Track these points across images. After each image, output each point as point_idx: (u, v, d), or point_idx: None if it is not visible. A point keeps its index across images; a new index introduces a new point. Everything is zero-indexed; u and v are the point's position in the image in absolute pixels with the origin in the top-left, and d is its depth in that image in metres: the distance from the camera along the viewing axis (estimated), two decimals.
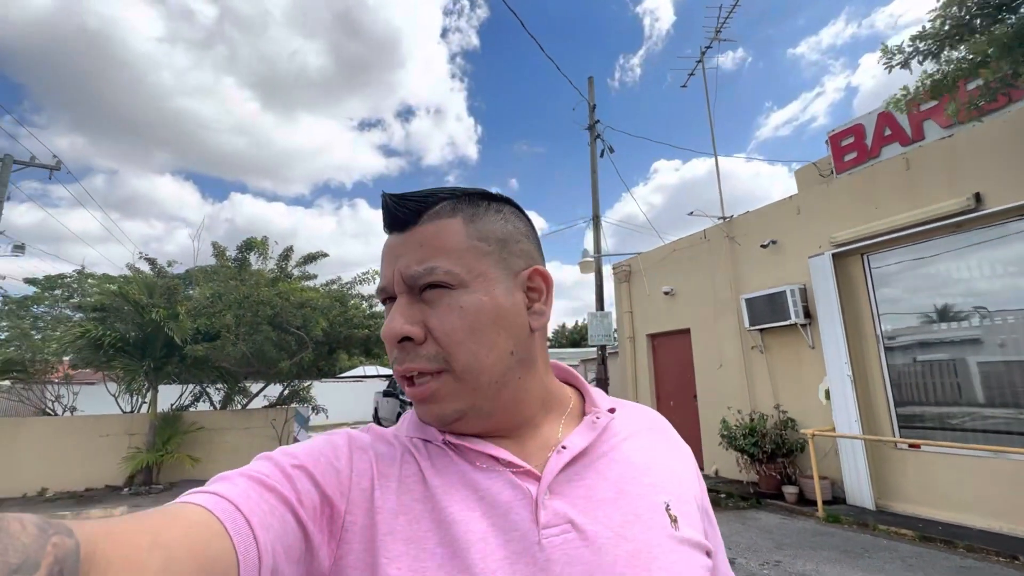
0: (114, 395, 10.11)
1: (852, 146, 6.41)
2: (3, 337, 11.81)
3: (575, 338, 36.14)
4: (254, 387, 11.18)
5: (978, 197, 5.07)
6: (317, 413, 11.53)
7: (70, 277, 13.87)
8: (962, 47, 3.52)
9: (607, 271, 10.20)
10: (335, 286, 10.86)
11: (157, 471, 8.48)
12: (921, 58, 3.66)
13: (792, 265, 6.84)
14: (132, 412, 9.84)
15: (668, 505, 0.52)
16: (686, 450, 0.62)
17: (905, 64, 3.73)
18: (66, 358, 9.53)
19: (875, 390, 5.90)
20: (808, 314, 6.56)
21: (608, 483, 0.51)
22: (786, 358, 6.91)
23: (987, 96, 3.87)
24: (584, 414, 0.58)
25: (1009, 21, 3.17)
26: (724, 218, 8.05)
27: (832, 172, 6.72)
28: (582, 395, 0.62)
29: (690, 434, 8.24)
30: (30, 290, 13.15)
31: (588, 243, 9.93)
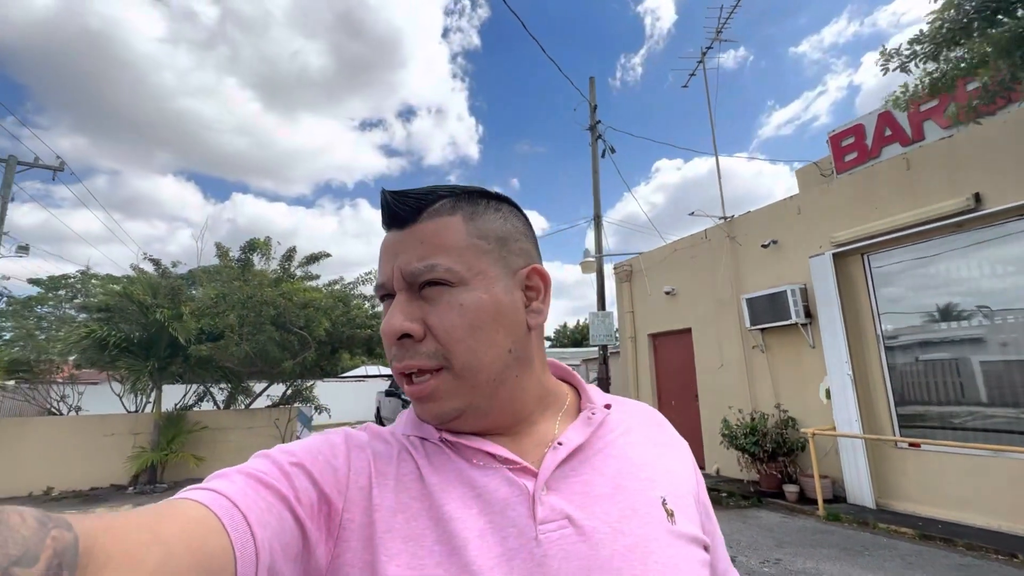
0: (119, 395, 10.18)
1: (852, 146, 6.44)
2: (8, 337, 11.90)
3: (577, 337, 36.16)
4: (257, 387, 11.24)
5: (978, 197, 5.10)
6: (320, 413, 11.58)
7: (73, 277, 13.96)
8: (960, 49, 3.54)
9: (608, 271, 10.25)
10: (338, 286, 10.92)
11: (161, 470, 8.54)
12: (918, 61, 3.69)
13: (793, 265, 6.87)
14: (136, 412, 9.91)
15: (664, 500, 0.52)
16: (683, 444, 0.63)
17: (903, 67, 3.76)
18: (71, 358, 9.59)
19: (875, 389, 5.93)
20: (809, 314, 6.59)
21: (605, 478, 0.52)
22: (787, 358, 6.94)
23: (985, 99, 3.89)
24: (580, 410, 0.59)
25: (1007, 24, 3.19)
26: (725, 218, 8.08)
27: (833, 172, 6.75)
28: (578, 392, 0.63)
29: (691, 433, 8.27)
30: (34, 290, 13.23)
31: (589, 243, 9.97)
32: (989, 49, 3.42)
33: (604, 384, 9.16)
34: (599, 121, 10.28)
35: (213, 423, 9.47)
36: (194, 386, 10.78)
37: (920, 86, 4.03)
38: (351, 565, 0.44)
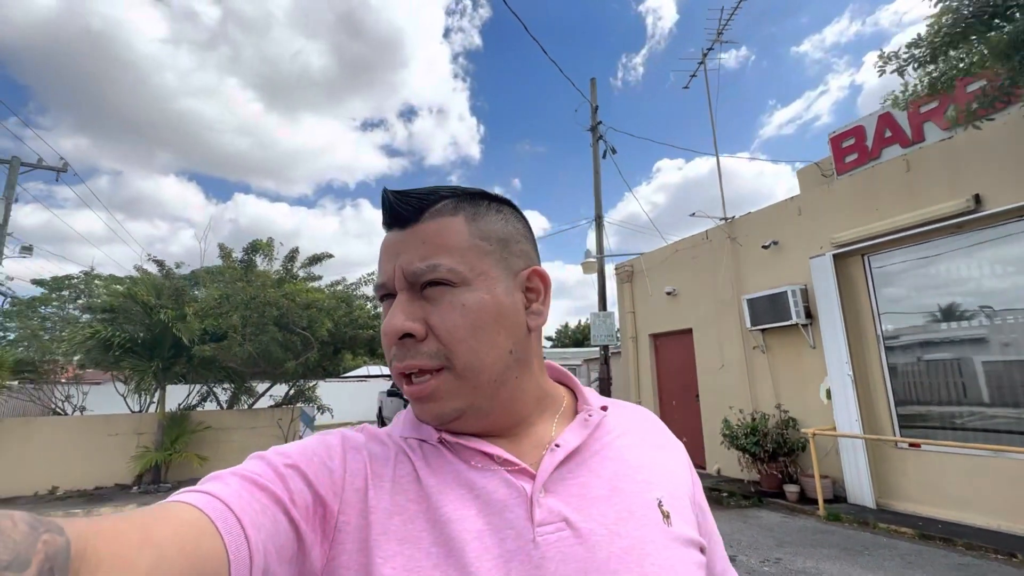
0: (123, 395, 10.25)
1: (853, 147, 6.46)
2: (12, 338, 11.97)
3: (578, 338, 36.19)
4: (260, 387, 11.30)
5: (977, 198, 5.12)
6: (323, 413, 11.64)
7: (77, 278, 14.02)
8: (957, 52, 3.56)
9: (610, 271, 10.28)
10: (340, 287, 10.97)
11: (165, 470, 8.59)
12: (916, 65, 3.71)
13: (793, 266, 6.89)
14: (140, 412, 9.97)
15: (661, 501, 0.52)
16: (678, 446, 0.63)
17: (899, 71, 3.79)
18: (75, 359, 9.65)
19: (876, 390, 5.96)
20: (809, 314, 6.62)
21: (602, 480, 0.52)
22: (787, 358, 6.96)
23: (984, 104, 3.91)
24: (577, 412, 0.59)
25: (1005, 29, 3.21)
26: (726, 219, 8.11)
27: (833, 173, 6.77)
28: (574, 394, 0.63)
29: (692, 433, 8.30)
30: (37, 291, 13.30)
31: (591, 243, 10.01)
32: (986, 51, 3.45)
33: (606, 384, 9.19)
34: (600, 122, 10.31)
35: (216, 423, 9.53)
36: (197, 386, 10.85)
37: (919, 86, 4.05)
38: (346, 567, 0.44)
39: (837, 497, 5.99)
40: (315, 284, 10.77)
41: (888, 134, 6.12)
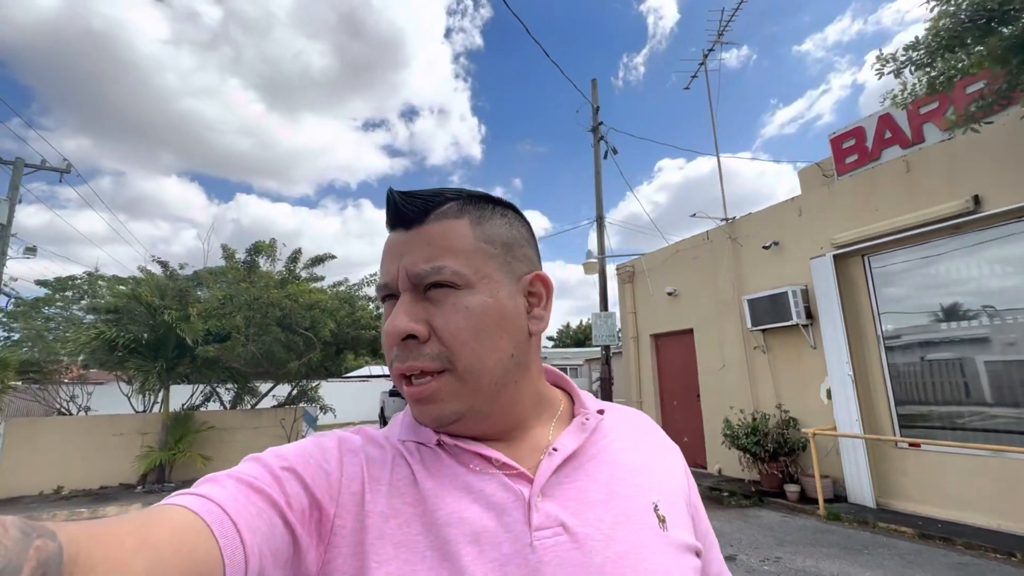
0: (127, 395, 10.31)
1: (853, 148, 6.48)
2: (16, 338, 12.05)
3: (579, 338, 36.21)
4: (263, 387, 11.36)
5: (977, 199, 5.14)
6: (325, 413, 11.69)
7: (80, 279, 14.09)
8: (956, 54, 3.59)
9: (611, 271, 10.31)
10: (343, 287, 11.02)
11: (169, 469, 8.65)
12: (913, 67, 3.74)
13: (794, 266, 6.92)
14: (145, 412, 10.03)
15: (657, 506, 0.53)
16: (673, 448, 0.64)
17: (897, 73, 3.81)
18: (79, 359, 9.72)
19: (876, 389, 5.98)
20: (810, 314, 6.64)
21: (598, 484, 0.52)
22: (788, 358, 6.99)
23: (983, 107, 3.94)
24: (574, 416, 0.59)
25: (1003, 33, 3.24)
26: (726, 219, 8.13)
27: (834, 173, 6.79)
28: (571, 397, 0.63)
29: (693, 433, 8.33)
30: (41, 291, 13.37)
31: (592, 243, 10.03)
32: (985, 54, 3.47)
33: (607, 384, 9.22)
34: (601, 123, 10.34)
35: (220, 423, 9.58)
36: (201, 386, 10.90)
37: (917, 84, 4.07)
38: (341, 571, 0.44)
39: (837, 497, 6.02)
40: (318, 285, 10.82)
41: (888, 135, 6.14)
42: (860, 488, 5.77)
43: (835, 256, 6.29)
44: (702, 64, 9.77)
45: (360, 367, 19.59)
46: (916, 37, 3.63)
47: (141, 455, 8.47)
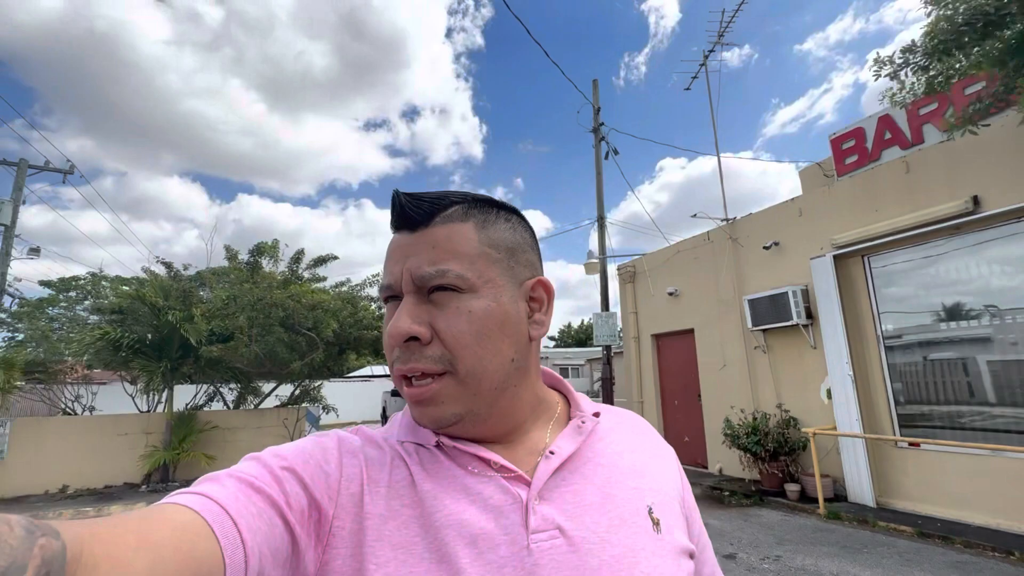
0: (131, 395, 10.38)
1: (853, 149, 6.51)
2: (21, 338, 12.12)
3: (581, 338, 36.24)
4: (266, 387, 11.43)
5: (976, 200, 5.17)
6: (328, 412, 11.75)
7: (83, 279, 14.16)
8: (953, 57, 3.62)
9: (612, 271, 10.35)
10: (345, 288, 11.07)
11: (173, 469, 8.71)
12: (910, 70, 3.77)
13: (794, 266, 6.95)
14: (149, 411, 10.09)
15: (651, 508, 0.53)
16: (668, 450, 0.65)
17: (894, 76, 3.84)
18: (84, 358, 9.79)
19: (876, 389, 6.01)
20: (810, 314, 6.67)
21: (594, 487, 0.53)
22: (788, 358, 7.02)
23: (980, 109, 3.97)
24: (570, 418, 0.60)
25: (999, 37, 3.26)
26: (727, 220, 8.16)
27: (834, 174, 6.82)
28: (567, 399, 0.64)
29: (694, 433, 8.36)
30: (45, 292, 13.44)
31: (593, 243, 10.05)
32: (982, 56, 3.50)
33: (608, 384, 9.25)
34: (602, 123, 10.36)
35: (223, 423, 9.65)
36: (204, 386, 10.98)
37: (916, 84, 4.09)
38: (339, 572, 0.44)
39: (837, 496, 6.05)
40: (320, 285, 10.88)
41: (888, 136, 6.16)
42: (860, 487, 5.80)
43: (835, 256, 6.31)
44: (703, 65, 9.80)
45: (362, 367, 19.64)
46: (913, 40, 3.66)
47: (145, 454, 8.55)
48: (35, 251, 14.77)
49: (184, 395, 10.41)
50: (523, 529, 0.47)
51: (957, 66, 3.65)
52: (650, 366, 9.44)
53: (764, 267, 7.40)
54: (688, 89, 10.24)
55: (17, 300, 13.24)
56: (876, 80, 3.94)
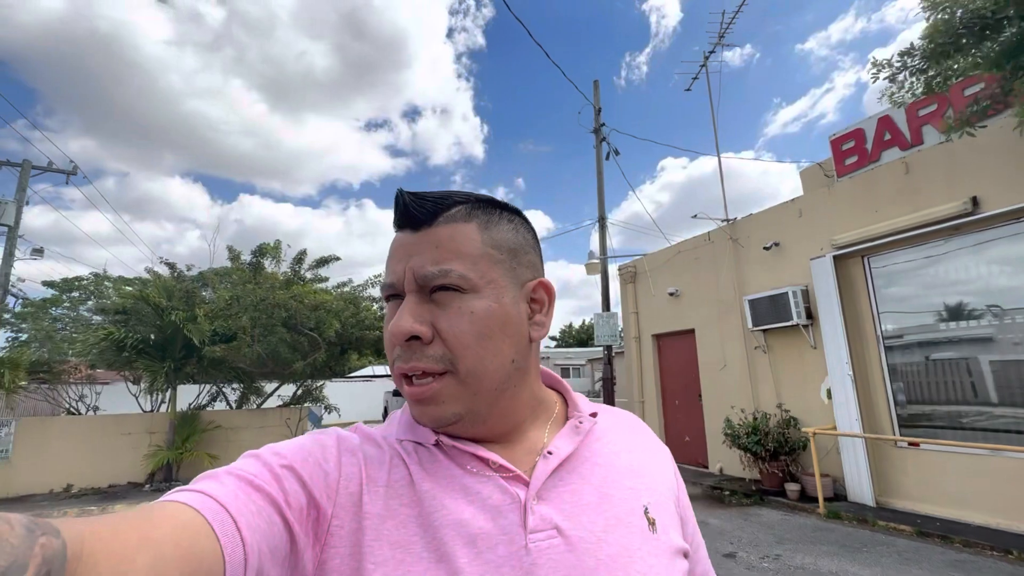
0: (135, 395, 10.44)
1: (853, 150, 6.52)
2: (25, 338, 12.20)
3: (582, 337, 36.27)
4: (269, 387, 11.48)
5: (975, 201, 5.19)
6: (330, 412, 11.80)
7: (86, 279, 14.23)
8: (951, 60, 3.65)
9: (613, 272, 10.37)
10: (347, 288, 11.12)
11: (177, 468, 8.76)
12: (908, 73, 3.80)
13: (794, 267, 6.97)
14: (152, 411, 10.15)
15: (647, 508, 0.54)
16: (663, 450, 0.66)
17: (893, 79, 3.87)
18: (87, 358, 9.85)
19: (875, 389, 6.03)
20: (810, 315, 6.70)
21: (592, 487, 0.53)
22: (788, 358, 7.04)
23: (977, 111, 3.99)
24: (568, 418, 0.60)
25: (997, 40, 3.29)
26: (727, 220, 8.19)
27: (834, 175, 6.84)
28: (565, 399, 0.64)
29: (695, 433, 8.39)
30: (48, 292, 13.52)
31: (594, 243, 10.08)
32: (980, 59, 3.53)
33: (609, 384, 9.29)
34: (603, 124, 10.38)
35: (226, 422, 9.70)
36: (207, 386, 11.02)
37: (914, 84, 4.12)
38: (338, 571, 0.44)
39: (837, 495, 6.08)
40: (322, 286, 10.93)
41: (887, 137, 6.18)
42: (860, 487, 5.82)
43: (835, 257, 6.34)
44: (703, 66, 9.83)
45: (364, 367, 19.70)
46: (912, 43, 3.69)
47: (149, 454, 8.60)
48: (38, 251, 14.84)
49: (187, 395, 10.46)
50: (521, 529, 0.47)
51: (956, 66, 3.68)
52: (651, 366, 9.47)
53: (764, 267, 7.43)
54: (688, 90, 10.27)
55: (21, 300, 13.33)
56: (874, 83, 3.97)
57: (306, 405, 11.28)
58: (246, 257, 10.35)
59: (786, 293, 6.74)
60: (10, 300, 12.36)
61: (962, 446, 5.14)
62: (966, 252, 5.42)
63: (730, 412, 7.31)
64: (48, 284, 14.25)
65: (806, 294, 6.74)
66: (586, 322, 38.76)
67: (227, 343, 8.89)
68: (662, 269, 9.31)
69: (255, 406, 11.17)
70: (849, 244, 6.24)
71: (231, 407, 11.07)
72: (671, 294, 8.96)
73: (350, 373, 17.43)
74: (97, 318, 10.93)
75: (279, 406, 11.25)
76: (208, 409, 10.66)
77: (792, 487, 6.24)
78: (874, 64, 3.87)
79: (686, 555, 0.56)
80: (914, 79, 3.95)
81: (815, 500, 5.84)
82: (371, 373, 20.66)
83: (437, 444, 0.53)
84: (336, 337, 9.89)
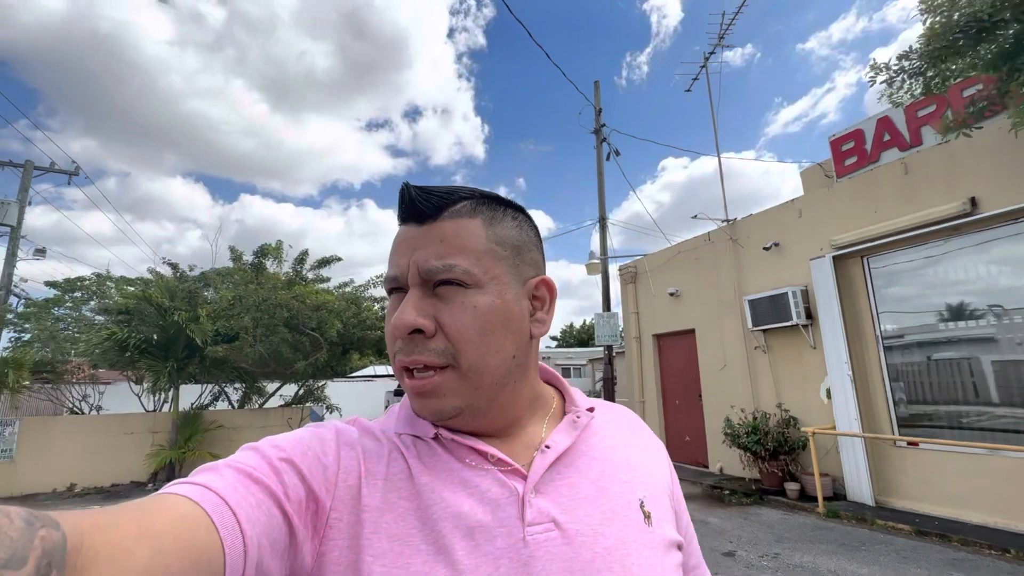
0: (137, 394, 10.49)
1: (852, 151, 6.55)
2: (28, 338, 12.24)
3: (583, 337, 36.31)
4: (271, 387, 11.52)
5: (973, 201, 5.22)
6: (331, 412, 11.84)
7: (89, 280, 14.27)
8: (948, 63, 3.68)
9: (614, 272, 10.39)
10: (349, 288, 11.16)
11: (179, 467, 8.80)
12: (906, 76, 3.82)
13: (794, 267, 7.00)
14: (155, 411, 10.20)
15: (643, 502, 0.55)
16: (658, 444, 0.67)
17: (890, 82, 3.90)
18: (90, 358, 9.89)
19: (874, 389, 6.06)
20: (809, 315, 6.73)
21: (588, 481, 0.54)
22: (788, 358, 7.07)
23: (974, 112, 4.02)
24: (565, 413, 0.61)
25: (994, 43, 3.32)
26: (727, 221, 8.22)
27: (833, 175, 6.87)
28: (562, 394, 0.65)
29: (695, 432, 8.42)
30: (50, 292, 13.56)
31: (595, 243, 10.11)
32: (977, 60, 3.56)
33: (610, 384, 9.32)
34: (604, 124, 10.41)
35: (228, 422, 9.74)
36: (209, 386, 11.07)
37: (913, 84, 4.14)
38: (336, 563, 0.44)
39: (837, 495, 6.10)
40: (324, 286, 10.97)
41: (887, 137, 6.20)
42: (859, 486, 5.85)
43: (834, 257, 6.37)
44: (703, 67, 9.85)
45: (365, 367, 19.75)
46: (909, 47, 3.72)
47: (152, 453, 8.65)
48: (41, 252, 14.89)
49: (189, 395, 10.50)
50: (519, 522, 0.48)
51: (954, 67, 3.70)
52: (651, 366, 9.50)
53: (764, 268, 7.45)
54: (688, 91, 10.31)
55: (23, 300, 13.38)
56: (872, 87, 4.00)
57: (308, 405, 11.33)
58: (248, 257, 10.40)
59: (786, 293, 6.76)
60: (13, 300, 12.41)
61: (961, 445, 5.17)
62: (965, 252, 5.45)
63: (730, 412, 7.34)
64: (50, 284, 14.29)
65: (806, 294, 6.76)
66: (587, 322, 38.79)
67: (229, 343, 8.94)
68: (662, 269, 9.34)
69: (257, 406, 11.21)
70: (848, 244, 6.27)
71: (233, 407, 11.11)
72: (671, 294, 8.98)
73: (351, 373, 17.47)
74: (100, 318, 10.98)
75: (281, 406, 11.30)
76: (210, 409, 10.71)
77: (792, 486, 6.26)
78: (872, 68, 3.89)
79: (680, 547, 0.57)
80: (912, 81, 3.98)
81: (814, 499, 5.86)
82: (372, 373, 20.72)
83: (436, 438, 0.53)
84: (338, 337, 9.93)
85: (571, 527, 0.49)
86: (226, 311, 8.98)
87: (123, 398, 10.69)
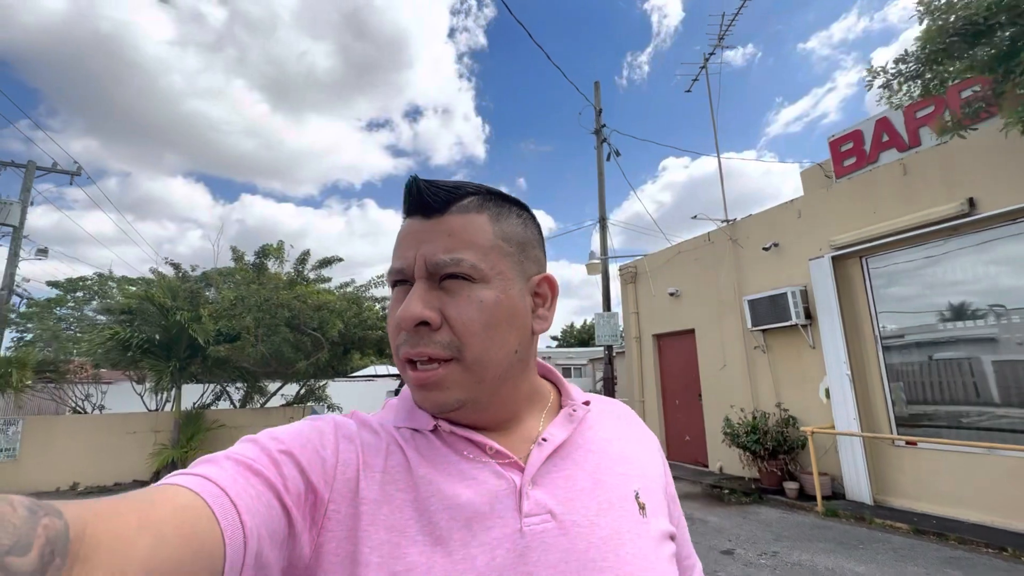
0: (140, 394, 10.53)
1: (851, 151, 6.57)
2: (30, 338, 12.30)
3: (583, 337, 36.33)
4: (272, 386, 11.57)
5: (972, 202, 5.24)
6: (333, 411, 11.87)
7: (90, 280, 14.33)
8: (944, 65, 3.71)
9: (614, 272, 10.43)
10: (350, 288, 11.20)
11: (181, 467, 8.73)
12: (902, 79, 3.86)
13: (793, 267, 7.03)
14: (157, 410, 10.25)
15: (637, 493, 0.56)
16: (652, 438, 0.68)
17: (887, 85, 3.93)
18: (92, 358, 9.94)
19: (873, 389, 6.09)
20: (809, 315, 6.75)
21: (585, 473, 0.55)
22: (787, 358, 7.10)
23: (970, 114, 4.05)
24: (561, 407, 0.62)
25: (994, 43, 3.35)
26: (727, 221, 8.25)
27: (832, 176, 6.89)
28: (558, 389, 0.66)
29: (695, 432, 8.45)
30: (52, 292, 13.62)
31: (595, 243, 10.14)
32: (973, 63, 3.59)
33: (610, 384, 9.35)
34: (604, 125, 10.44)
35: (230, 421, 9.78)
36: (211, 385, 11.12)
37: (911, 86, 4.16)
38: (334, 554, 0.45)
39: (835, 494, 6.13)
40: (325, 286, 11.02)
41: (885, 138, 6.23)
42: (858, 485, 5.88)
43: (833, 257, 6.39)
44: (703, 67, 9.89)
45: (366, 367, 19.79)
46: (906, 50, 3.75)
47: (154, 452, 8.70)
48: (43, 252, 14.94)
49: (191, 394, 10.55)
50: (516, 513, 0.49)
51: (951, 69, 3.73)
52: (651, 366, 9.53)
53: (764, 268, 7.48)
54: (689, 91, 10.34)
55: (25, 300, 13.44)
56: (869, 90, 4.03)
57: (309, 404, 11.38)
58: (249, 258, 10.45)
59: (785, 293, 6.79)
60: (15, 300, 12.47)
61: (959, 445, 5.19)
62: (963, 253, 5.47)
63: (730, 411, 7.37)
64: (52, 284, 14.36)
65: (805, 294, 6.79)
66: (587, 322, 38.81)
67: (231, 343, 8.98)
68: (662, 269, 9.37)
69: (259, 405, 11.26)
70: (847, 245, 6.30)
71: (235, 406, 11.16)
72: (671, 294, 9.01)
73: (352, 373, 17.51)
74: (102, 318, 11.04)
75: (282, 405, 11.34)
76: (212, 408, 10.75)
77: (791, 485, 6.29)
78: (868, 71, 3.93)
79: (673, 538, 0.59)
80: (910, 83, 4.01)
81: (813, 498, 5.89)
82: (373, 373, 20.75)
83: (434, 430, 0.54)
84: (339, 337, 9.98)
85: (567, 518, 0.50)
86: (228, 311, 9.03)
87: (125, 397, 10.75)
